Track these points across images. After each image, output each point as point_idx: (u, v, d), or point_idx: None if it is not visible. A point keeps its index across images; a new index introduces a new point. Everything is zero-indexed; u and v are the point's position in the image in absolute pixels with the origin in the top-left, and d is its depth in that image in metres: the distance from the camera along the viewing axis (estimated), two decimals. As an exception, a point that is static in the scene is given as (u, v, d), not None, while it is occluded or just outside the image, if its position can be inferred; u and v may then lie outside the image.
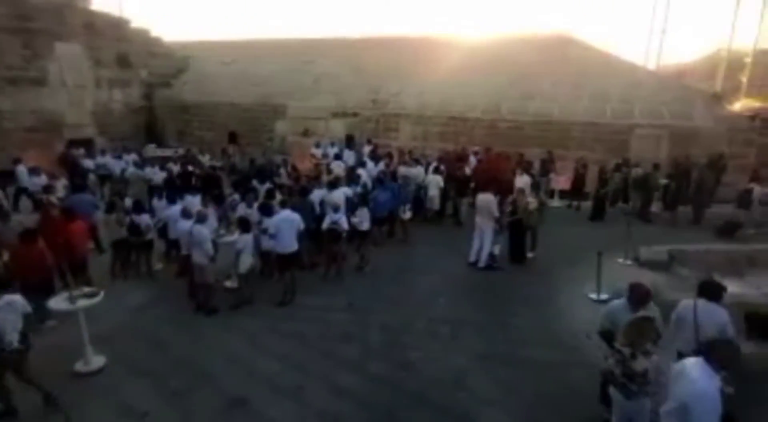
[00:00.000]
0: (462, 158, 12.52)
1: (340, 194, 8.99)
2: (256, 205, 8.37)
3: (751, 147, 14.37)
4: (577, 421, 5.12)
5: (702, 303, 4.82)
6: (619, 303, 4.70)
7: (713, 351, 3.49)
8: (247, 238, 7.38)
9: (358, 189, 10.22)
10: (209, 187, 10.86)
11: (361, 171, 11.07)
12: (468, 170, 11.94)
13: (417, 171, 11.62)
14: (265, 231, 7.73)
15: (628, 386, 3.94)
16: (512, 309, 7.54)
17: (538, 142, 14.86)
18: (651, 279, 7.85)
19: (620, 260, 9.06)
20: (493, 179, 10.38)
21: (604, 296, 7.68)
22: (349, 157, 13.12)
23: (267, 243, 7.80)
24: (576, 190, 13.27)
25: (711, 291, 4.86)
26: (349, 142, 14.44)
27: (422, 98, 17.50)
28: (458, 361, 6.14)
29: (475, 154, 13.29)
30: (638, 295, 4.52)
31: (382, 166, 11.79)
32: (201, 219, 7.25)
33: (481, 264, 8.91)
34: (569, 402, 5.40)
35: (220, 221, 8.53)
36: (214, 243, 7.31)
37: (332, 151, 14.28)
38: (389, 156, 12.75)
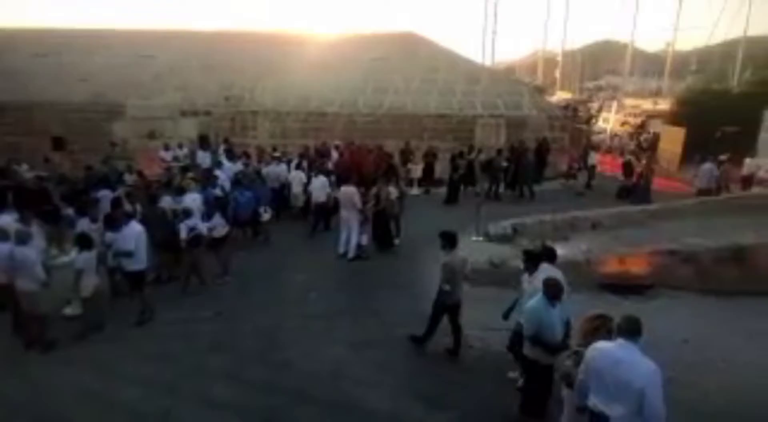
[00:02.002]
0: (323, 153, 12.61)
1: (192, 199, 8.37)
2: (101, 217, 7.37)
3: (566, 132, 17.04)
4: (452, 387, 5.54)
5: (544, 266, 5.64)
6: (538, 302, 4.53)
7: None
8: (89, 257, 6.44)
9: (216, 191, 9.65)
10: (34, 201, 9.19)
11: (218, 172, 10.44)
12: (330, 165, 12.06)
13: (279, 169, 11.38)
14: (109, 246, 6.85)
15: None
16: (383, 294, 7.86)
17: (394, 134, 15.63)
18: (499, 251, 8.89)
19: (473, 237, 10.02)
20: (356, 172, 10.71)
21: (462, 271, 8.45)
22: (204, 158, 12.28)
23: (116, 260, 6.93)
24: (427, 177, 14.34)
25: (548, 254, 5.74)
26: (203, 142, 13.49)
27: (279, 94, 17.13)
28: (335, 352, 6.21)
29: (336, 148, 13.49)
30: (555, 290, 4.49)
31: (240, 165, 11.27)
32: (22, 239, 6.13)
33: (350, 255, 9.12)
34: (443, 371, 5.86)
35: (51, 240, 7.32)
36: (45, 267, 6.25)
37: (182, 153, 13.21)
38: (246, 155, 12.25)
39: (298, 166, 11.11)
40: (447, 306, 6.04)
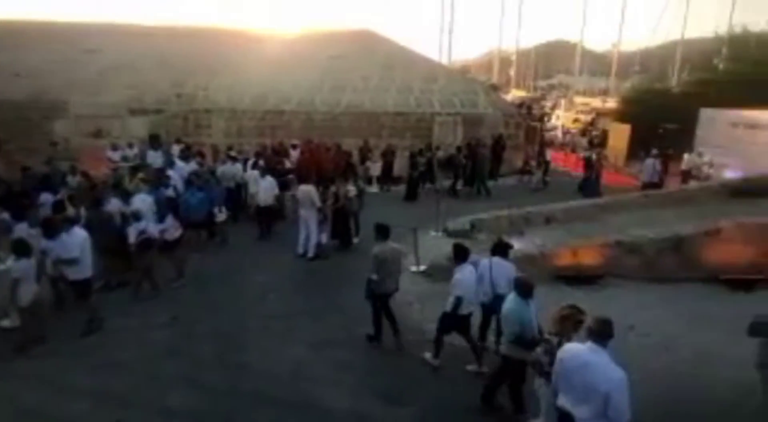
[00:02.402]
0: (280, 152, 12.41)
1: (142, 201, 8.04)
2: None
3: (520, 129, 17.52)
4: (412, 382, 5.58)
5: (495, 260, 5.82)
6: (515, 303, 4.60)
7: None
8: (26, 265, 6.03)
9: (169, 192, 9.30)
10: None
11: (170, 172, 10.07)
12: (289, 164, 11.89)
13: (235, 168, 11.11)
14: (45, 253, 6.43)
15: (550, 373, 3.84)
16: (343, 292, 7.82)
17: (353, 132, 15.60)
18: (457, 246, 9.04)
19: (433, 233, 10.15)
20: (315, 170, 10.61)
21: (422, 267, 8.54)
22: (155, 158, 11.80)
23: (58, 269, 6.53)
24: (386, 175, 14.43)
25: (500, 249, 5.89)
26: (154, 142, 12.95)
27: (234, 92, 16.71)
28: (295, 352, 6.14)
29: (294, 147, 13.31)
30: (527, 287, 4.63)
31: (194, 165, 10.92)
32: (-54, 247, 5.68)
33: (310, 254, 9.03)
34: (403, 367, 5.89)
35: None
36: (-23, 276, 5.82)
37: (132, 152, 12.65)
38: (200, 154, 11.88)
39: (255, 166, 10.87)
40: (376, 295, 6.15)
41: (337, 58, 18.23)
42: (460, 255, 5.69)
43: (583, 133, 25.45)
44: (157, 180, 9.45)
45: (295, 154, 12.87)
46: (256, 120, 16.10)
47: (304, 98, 16.55)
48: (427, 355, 5.89)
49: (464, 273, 5.57)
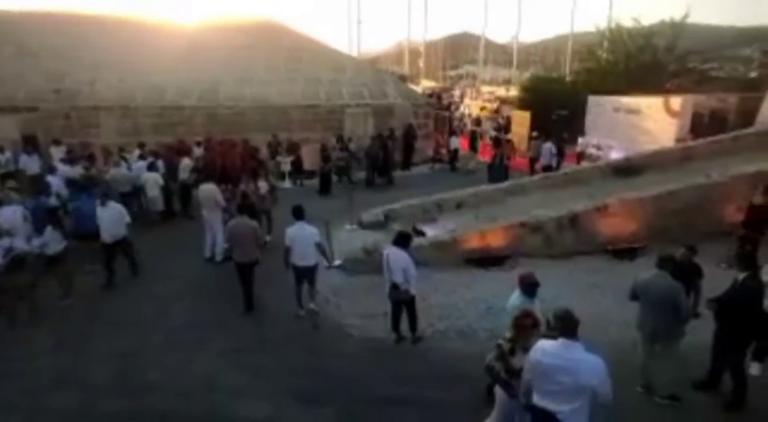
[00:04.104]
0: (182, 150, 11.59)
1: (11, 214, 7.06)
2: None
3: (430, 118, 17.95)
4: (332, 380, 5.47)
5: (393, 251, 5.88)
6: (517, 299, 4.58)
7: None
8: None
9: (51, 201, 8.29)
10: None
11: (50, 178, 8.97)
12: (191, 162, 11.13)
13: (130, 171, 10.17)
14: None
15: (511, 384, 3.79)
16: (257, 295, 7.49)
17: (260, 126, 15.00)
18: (373, 238, 9.04)
19: (347, 226, 10.08)
20: (221, 168, 10.03)
21: (337, 262, 8.43)
22: (30, 163, 10.46)
23: None
24: (297, 169, 14.12)
25: (399, 240, 5.97)
26: (29, 144, 11.43)
27: (125, 87, 15.30)
28: (206, 364, 5.78)
29: (198, 144, 12.50)
30: (527, 283, 4.57)
31: (80, 169, 9.83)
32: None
33: (218, 258, 8.54)
34: (323, 366, 5.76)
35: None
36: None
37: (2, 157, 11.11)
38: (90, 157, 10.73)
39: (151, 167, 10.02)
40: (237, 265, 6.85)
41: (240, 50, 17.33)
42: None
43: (491, 120, 26.71)
44: (34, 188, 8.36)
45: (198, 151, 12.08)
46: (153, 117, 14.90)
47: (205, 92, 15.59)
48: None
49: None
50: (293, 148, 14.36)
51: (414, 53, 47.36)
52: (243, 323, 6.74)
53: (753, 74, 19.82)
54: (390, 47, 66.14)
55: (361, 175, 14.51)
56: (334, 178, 14.04)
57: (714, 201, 9.20)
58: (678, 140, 14.03)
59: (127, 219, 7.81)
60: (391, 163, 14.74)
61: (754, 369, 5.06)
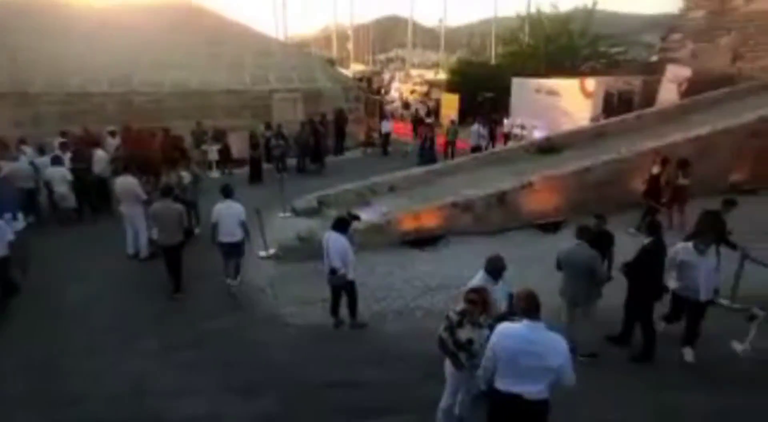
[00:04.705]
0: (92, 142, 10.66)
1: None
2: None
3: (361, 102, 17.86)
4: (271, 370, 5.37)
5: (332, 236, 5.86)
6: (480, 277, 4.58)
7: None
8: None
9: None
10: None
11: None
12: (104, 153, 10.30)
13: (30, 165, 9.21)
14: None
15: (457, 356, 3.89)
16: (188, 289, 7.16)
17: (181, 113, 14.13)
18: (307, 225, 8.91)
19: (281, 214, 9.85)
20: (140, 159, 9.37)
21: (272, 251, 8.23)
22: None
23: None
24: (225, 158, 13.57)
25: (338, 225, 5.94)
26: None
27: (22, 72, 13.73)
28: (135, 366, 5.44)
29: (112, 134, 11.56)
30: (494, 265, 4.55)
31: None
32: None
33: (143, 254, 8.02)
34: (260, 356, 5.64)
35: None
36: None
37: None
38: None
39: (55, 161, 9.09)
40: (163, 249, 6.92)
41: (157, 32, 16.10)
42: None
43: (422, 103, 27.08)
44: None
45: (114, 142, 11.18)
46: (57, 105, 13.55)
47: (118, 78, 14.40)
48: None
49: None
50: (219, 136, 13.72)
51: (342, 37, 46.72)
52: (173, 319, 6.42)
53: (654, 58, 21.55)
54: (317, 31, 64.82)
55: (292, 161, 14.20)
56: (267, 165, 13.66)
57: (624, 175, 9.99)
58: (592, 119, 15.03)
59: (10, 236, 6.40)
60: (322, 148, 14.56)
61: (688, 356, 5.27)
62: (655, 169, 8.97)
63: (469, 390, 4.09)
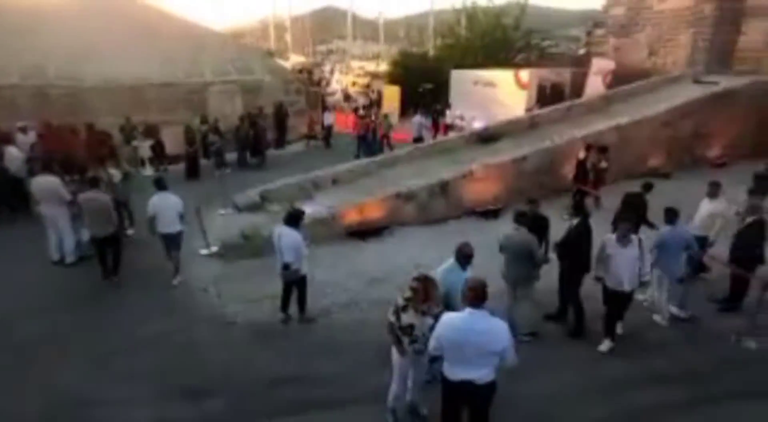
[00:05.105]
0: (1, 138, 9.73)
1: None
2: None
3: (302, 95, 17.53)
4: (218, 369, 5.22)
5: (284, 230, 5.76)
6: (450, 264, 4.63)
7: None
8: None
9: None
10: None
11: None
12: (18, 152, 9.46)
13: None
14: None
15: (400, 339, 3.98)
16: (121, 293, 6.78)
17: (108, 108, 13.17)
18: (250, 221, 8.68)
19: (222, 211, 9.51)
20: (63, 156, 8.68)
21: (214, 249, 7.95)
22: None
23: None
24: (159, 154, 12.92)
25: (289, 219, 5.85)
26: None
27: None
28: (69, 378, 5.08)
29: (23, 130, 10.55)
30: (462, 254, 4.57)
31: None
32: None
33: (69, 259, 7.47)
34: (205, 356, 5.45)
35: None
36: None
37: None
38: None
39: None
40: (95, 242, 6.89)
41: (76, 20, 14.90)
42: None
43: (364, 95, 27.03)
44: None
45: (26, 139, 10.23)
46: (-42, 98, 12.22)
47: (31, 70, 13.20)
48: None
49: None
50: (152, 132, 12.98)
51: (279, 28, 45.59)
52: (107, 326, 6.04)
53: (581, 52, 22.81)
54: (254, 22, 62.79)
55: (232, 156, 13.74)
56: (204, 161, 13.12)
57: (557, 162, 10.54)
58: (527, 110, 15.68)
59: None
60: (263, 142, 14.19)
61: (603, 346, 5.41)
62: (581, 154, 9.64)
63: (417, 375, 4.20)
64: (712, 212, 6.53)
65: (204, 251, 7.92)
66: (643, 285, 5.58)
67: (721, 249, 6.43)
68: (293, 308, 6.13)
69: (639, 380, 5.00)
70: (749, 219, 5.99)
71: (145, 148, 12.82)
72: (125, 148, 12.03)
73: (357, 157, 13.91)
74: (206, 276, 7.24)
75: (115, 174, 8.29)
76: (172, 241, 6.99)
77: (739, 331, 5.58)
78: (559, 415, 4.53)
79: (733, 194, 7.11)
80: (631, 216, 5.69)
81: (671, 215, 5.81)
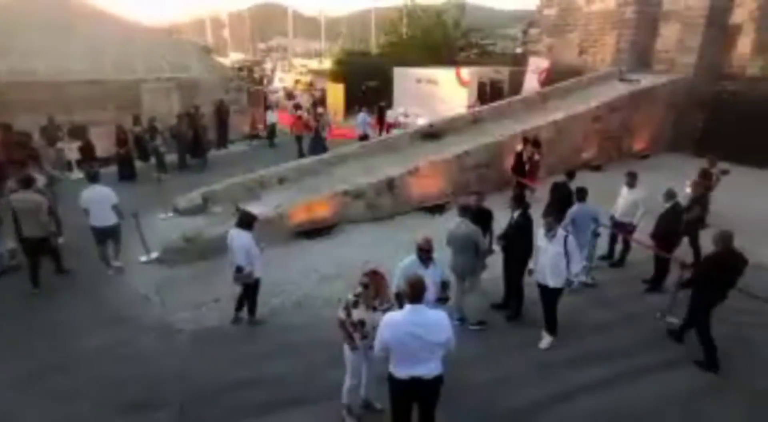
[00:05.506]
0: None
1: None
2: None
3: (243, 93, 17.05)
4: (164, 381, 4.99)
5: (234, 232, 5.62)
6: (411, 260, 4.60)
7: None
8: None
9: None
10: None
11: None
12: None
13: None
14: None
15: (352, 336, 4.01)
16: (54, 308, 6.32)
17: (26, 107, 12.19)
18: (193, 224, 8.36)
19: (162, 215, 9.10)
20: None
21: (154, 255, 7.59)
22: None
23: None
24: (89, 156, 12.10)
25: (240, 221, 5.71)
26: None
27: None
28: (-6, 402, 4.68)
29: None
30: (421, 249, 4.54)
31: None
32: None
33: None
34: (150, 368, 5.20)
35: None
36: None
37: None
38: None
39: None
40: (25, 243, 6.63)
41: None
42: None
43: (308, 93, 26.68)
44: None
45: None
46: None
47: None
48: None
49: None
50: (78, 133, 12.13)
51: (217, 23, 44.01)
52: (36, 342, 5.62)
53: (519, 50, 23.76)
54: (189, 18, 60.17)
55: (172, 157, 13.14)
56: (141, 163, 12.46)
57: (499, 156, 10.95)
58: (469, 106, 16.15)
59: None
60: (204, 142, 13.68)
61: (543, 342, 5.53)
62: (518, 147, 10.12)
63: (369, 370, 4.24)
64: (634, 200, 7.10)
65: (143, 258, 7.55)
66: (570, 285, 5.51)
67: (645, 235, 6.97)
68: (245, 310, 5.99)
69: (575, 360, 5.31)
70: (667, 205, 6.53)
71: (72, 149, 11.96)
72: (50, 150, 11.15)
73: (301, 156, 13.68)
74: (148, 284, 6.90)
75: (40, 178, 7.69)
76: (109, 236, 6.89)
77: (662, 310, 6.07)
78: (502, 400, 4.71)
79: (655, 183, 7.67)
80: (552, 210, 5.79)
81: (581, 194, 6.52)
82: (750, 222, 8.71)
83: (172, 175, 12.02)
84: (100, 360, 5.33)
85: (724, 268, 4.95)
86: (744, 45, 14.44)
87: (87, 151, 11.87)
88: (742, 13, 14.40)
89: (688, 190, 7.16)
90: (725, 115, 13.35)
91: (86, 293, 6.65)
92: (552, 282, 5.31)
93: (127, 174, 11.55)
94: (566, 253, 5.17)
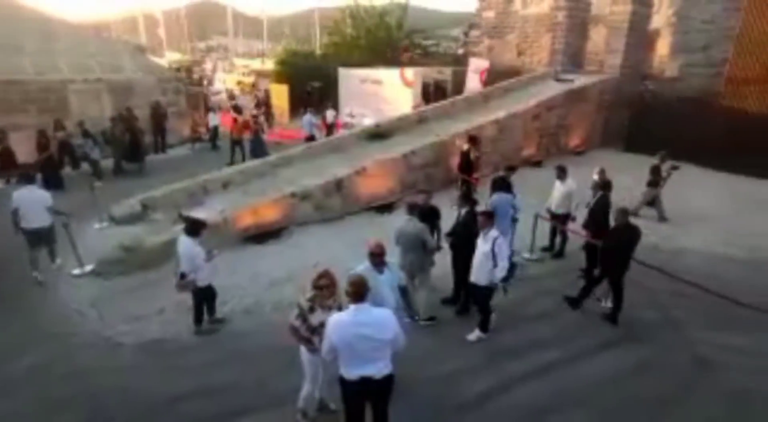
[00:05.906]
0: None
1: None
2: None
3: (181, 94, 16.37)
4: (113, 396, 4.75)
5: (182, 239, 5.45)
6: (364, 267, 4.47)
7: None
8: None
9: None
10: None
11: None
12: None
13: None
14: None
15: (311, 340, 3.99)
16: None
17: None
18: (132, 233, 7.94)
19: (96, 225, 8.59)
20: None
21: (89, 267, 7.15)
22: None
23: None
24: (7, 163, 11.18)
25: (189, 228, 5.53)
26: None
27: None
28: None
29: None
30: (372, 254, 4.46)
31: None
32: None
33: None
34: (95, 384, 4.93)
35: None
36: None
37: None
38: None
39: None
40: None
41: None
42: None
43: (252, 94, 26.03)
44: None
45: None
46: None
47: None
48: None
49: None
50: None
51: (151, 22, 41.96)
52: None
53: (460, 51, 24.40)
54: (120, 16, 56.93)
55: (106, 163, 12.42)
56: (68, 169, 11.66)
57: (444, 155, 11.19)
58: (414, 106, 16.38)
59: None
60: (141, 146, 13.02)
61: (472, 336, 5.68)
62: (465, 146, 10.35)
63: (326, 371, 4.20)
64: (566, 192, 7.58)
65: (77, 271, 7.09)
66: (494, 285, 5.48)
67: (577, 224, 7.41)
68: (189, 319, 5.78)
69: (521, 348, 5.55)
70: (597, 196, 6.97)
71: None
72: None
73: (232, 163, 13.15)
74: (83, 298, 6.50)
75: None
76: (43, 238, 6.75)
77: (597, 295, 6.47)
78: (450, 394, 4.83)
79: (589, 177, 8.12)
80: (490, 210, 5.96)
81: (502, 184, 7.28)
82: (672, 212, 9.47)
83: (106, 182, 11.36)
84: (37, 380, 4.99)
85: (622, 239, 5.82)
86: (663, 47, 15.65)
87: (6, 157, 10.94)
88: (659, 19, 15.61)
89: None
90: (648, 112, 14.39)
91: (12, 310, 6.17)
92: (475, 279, 5.50)
93: (52, 182, 10.69)
94: (493, 255, 5.28)
